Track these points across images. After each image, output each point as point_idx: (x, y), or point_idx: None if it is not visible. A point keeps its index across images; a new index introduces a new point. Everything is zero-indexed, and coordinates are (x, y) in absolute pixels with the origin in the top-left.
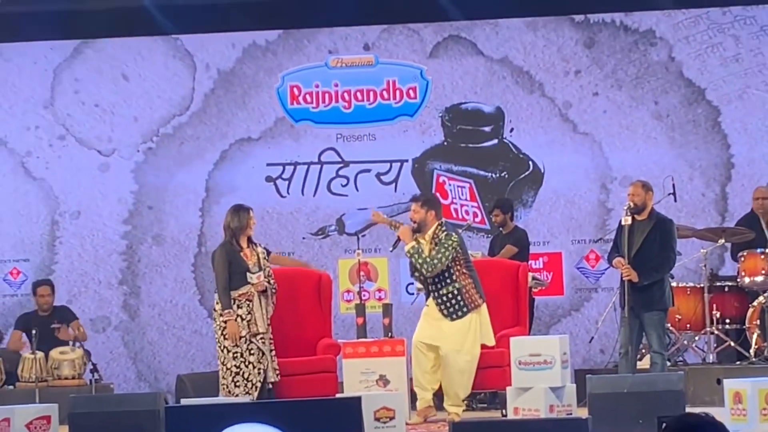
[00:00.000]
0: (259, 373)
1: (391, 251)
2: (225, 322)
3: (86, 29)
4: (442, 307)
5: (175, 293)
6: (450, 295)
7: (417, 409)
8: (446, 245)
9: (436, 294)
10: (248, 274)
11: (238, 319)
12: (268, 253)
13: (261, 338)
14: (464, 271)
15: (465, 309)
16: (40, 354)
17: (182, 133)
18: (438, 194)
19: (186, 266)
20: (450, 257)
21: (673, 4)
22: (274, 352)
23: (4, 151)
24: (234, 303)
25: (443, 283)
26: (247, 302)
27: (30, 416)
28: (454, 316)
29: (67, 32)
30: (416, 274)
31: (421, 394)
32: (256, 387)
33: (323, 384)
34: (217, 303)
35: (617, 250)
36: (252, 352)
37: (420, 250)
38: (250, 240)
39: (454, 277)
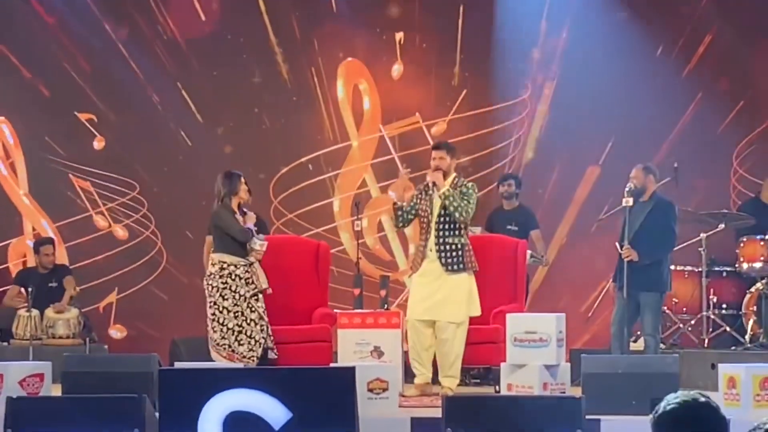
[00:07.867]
0: (261, 330)
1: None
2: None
3: None
4: (445, 255)
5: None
6: (455, 246)
7: (415, 383)
8: (472, 194)
9: (441, 242)
10: (255, 239)
11: (237, 278)
12: (260, 220)
13: (256, 298)
14: (467, 231)
15: (463, 266)
16: (35, 312)
17: None
18: None
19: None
20: (475, 207)
21: None
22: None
23: None
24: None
25: (452, 233)
26: (244, 265)
27: (23, 373)
28: (454, 268)
29: None
30: (401, 224)
31: (420, 370)
32: (260, 344)
33: (318, 353)
34: (212, 264)
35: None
36: (253, 309)
37: (455, 194)
38: (240, 207)
39: (461, 231)
